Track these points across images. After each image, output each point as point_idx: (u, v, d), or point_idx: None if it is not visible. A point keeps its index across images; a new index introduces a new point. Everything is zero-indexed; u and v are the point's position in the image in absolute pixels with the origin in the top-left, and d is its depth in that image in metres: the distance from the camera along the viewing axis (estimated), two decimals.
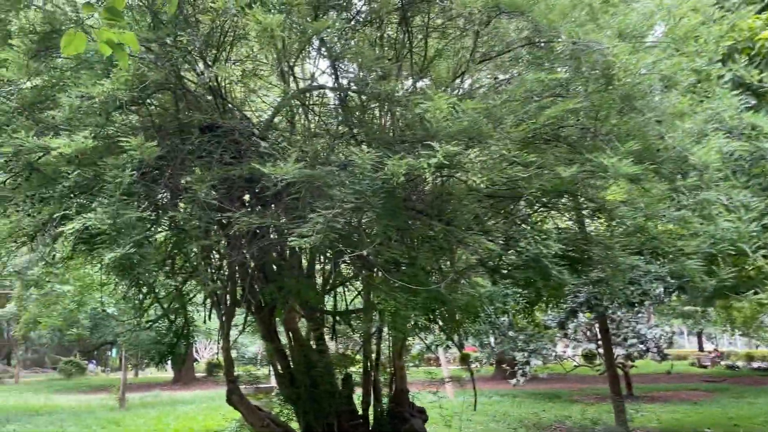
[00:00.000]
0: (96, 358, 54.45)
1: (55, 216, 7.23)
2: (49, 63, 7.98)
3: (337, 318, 8.78)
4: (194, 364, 41.22)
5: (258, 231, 7.93)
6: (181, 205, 7.75)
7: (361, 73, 6.85)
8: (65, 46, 2.47)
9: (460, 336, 10.92)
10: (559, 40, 5.79)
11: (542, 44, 6.21)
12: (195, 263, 7.76)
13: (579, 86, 5.81)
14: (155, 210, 7.26)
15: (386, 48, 7.58)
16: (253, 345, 37.94)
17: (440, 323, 7.90)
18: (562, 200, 7.09)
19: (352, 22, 7.21)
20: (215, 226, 7.41)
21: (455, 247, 6.98)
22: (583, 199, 6.86)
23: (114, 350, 48.22)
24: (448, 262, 7.41)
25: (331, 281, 8.57)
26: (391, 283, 6.36)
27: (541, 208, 7.31)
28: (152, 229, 7.24)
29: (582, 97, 5.62)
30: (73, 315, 19.13)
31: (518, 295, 7.46)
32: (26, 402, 25.71)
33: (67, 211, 6.99)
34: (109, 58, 7.52)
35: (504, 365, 26.34)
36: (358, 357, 10.85)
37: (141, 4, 7.98)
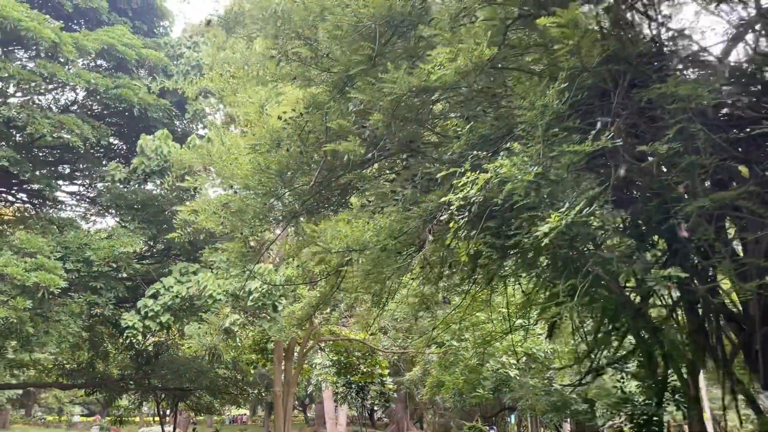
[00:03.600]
0: (495, 423, 53.48)
1: (442, 197, 4.52)
2: None
3: None
4: None
5: None
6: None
7: None
8: None
9: None
10: None
11: None
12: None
13: None
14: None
15: None
16: None
17: None
18: None
19: None
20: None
21: None
22: None
23: (512, 416, 46.36)
24: None
25: None
26: None
27: None
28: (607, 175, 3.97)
29: None
30: (476, 374, 17.03)
31: None
32: None
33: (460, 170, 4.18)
34: None
35: None
36: None
37: None
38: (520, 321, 8.41)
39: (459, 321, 11.81)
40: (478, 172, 3.72)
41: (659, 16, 6.60)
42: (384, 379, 31.26)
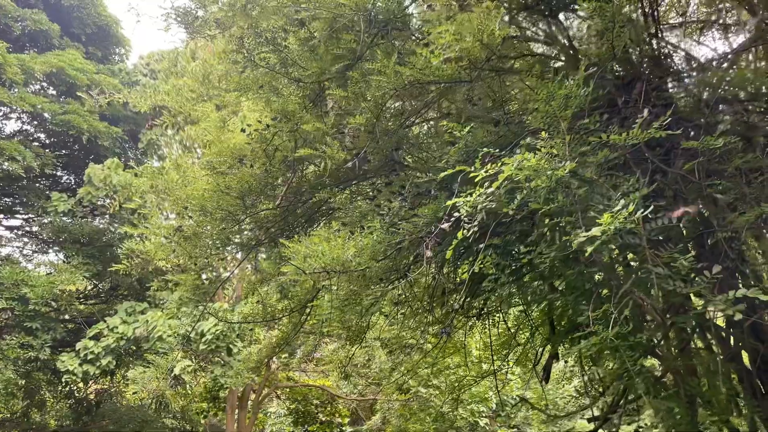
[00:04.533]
0: None
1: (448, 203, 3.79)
2: None
3: None
4: None
5: None
6: None
7: None
8: None
9: None
10: None
11: None
12: None
13: None
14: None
15: None
16: None
17: None
18: None
19: None
20: None
21: None
22: None
23: None
24: None
25: None
26: None
27: None
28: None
29: None
30: (447, 422, 16.04)
31: None
32: None
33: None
34: None
35: None
36: None
37: None
38: (498, 363, 7.66)
39: (432, 365, 10.94)
40: (499, 164, 3.01)
41: (659, 28, 6.16)
42: (344, 428, 29.79)
